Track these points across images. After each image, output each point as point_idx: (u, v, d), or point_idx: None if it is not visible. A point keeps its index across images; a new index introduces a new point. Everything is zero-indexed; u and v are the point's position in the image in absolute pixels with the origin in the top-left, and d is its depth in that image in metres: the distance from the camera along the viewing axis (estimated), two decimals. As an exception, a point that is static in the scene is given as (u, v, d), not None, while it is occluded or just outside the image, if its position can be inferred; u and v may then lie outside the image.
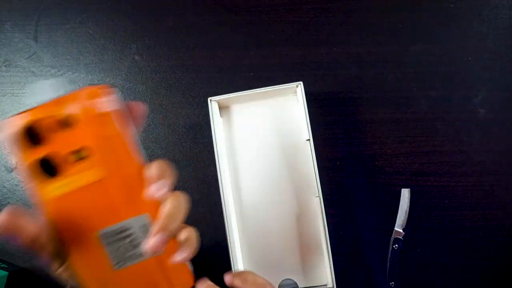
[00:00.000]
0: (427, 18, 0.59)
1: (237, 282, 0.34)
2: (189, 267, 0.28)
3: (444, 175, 0.55)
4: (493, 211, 0.54)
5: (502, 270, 0.53)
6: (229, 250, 0.48)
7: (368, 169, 0.55)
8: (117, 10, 0.60)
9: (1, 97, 0.59)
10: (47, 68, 0.59)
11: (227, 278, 0.35)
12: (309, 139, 0.50)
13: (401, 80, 0.57)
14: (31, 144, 0.24)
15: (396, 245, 0.52)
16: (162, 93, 0.58)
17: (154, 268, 0.27)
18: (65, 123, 0.24)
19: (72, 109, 0.24)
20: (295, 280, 0.51)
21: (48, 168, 0.24)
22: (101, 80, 0.58)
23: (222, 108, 0.56)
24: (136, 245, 0.27)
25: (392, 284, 0.52)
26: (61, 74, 0.59)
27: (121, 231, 0.26)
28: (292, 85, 0.52)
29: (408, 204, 0.53)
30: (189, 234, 0.28)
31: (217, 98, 0.52)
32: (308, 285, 0.50)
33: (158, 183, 0.25)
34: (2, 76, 0.59)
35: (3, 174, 0.57)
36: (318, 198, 0.49)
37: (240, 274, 0.35)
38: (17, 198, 0.56)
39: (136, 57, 0.59)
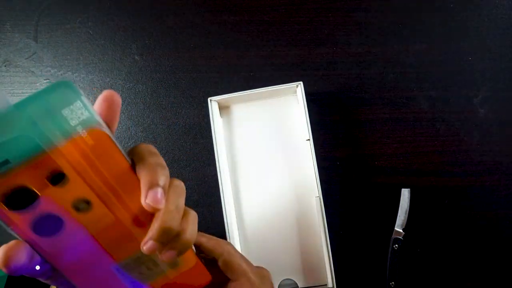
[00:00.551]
0: (427, 18, 0.59)
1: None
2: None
3: (444, 175, 0.55)
4: (493, 211, 0.54)
5: (502, 270, 0.53)
6: (229, 250, 0.48)
7: (368, 169, 0.55)
8: (117, 10, 0.60)
9: (1, 97, 0.59)
10: (47, 68, 0.59)
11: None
12: (309, 139, 0.50)
13: (401, 80, 0.57)
14: (19, 208, 0.21)
15: (396, 245, 0.52)
16: (162, 93, 0.58)
17: (172, 279, 0.27)
18: (55, 180, 0.21)
19: (60, 163, 0.20)
20: (295, 280, 0.51)
21: (48, 227, 0.22)
22: (101, 80, 0.58)
23: (222, 108, 0.56)
24: (154, 267, 0.26)
25: (392, 284, 0.52)
26: (61, 74, 0.59)
27: (137, 259, 0.25)
28: (292, 85, 0.52)
29: (408, 204, 0.53)
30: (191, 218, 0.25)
31: (217, 98, 0.52)
32: (308, 285, 0.50)
33: (151, 191, 0.21)
34: (2, 76, 0.59)
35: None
36: (318, 198, 0.49)
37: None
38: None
39: (136, 57, 0.59)
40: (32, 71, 0.59)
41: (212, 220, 0.54)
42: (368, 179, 0.55)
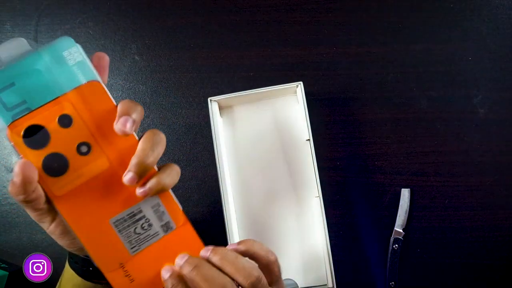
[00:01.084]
0: (427, 18, 0.59)
1: (214, 259, 0.28)
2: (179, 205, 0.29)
3: (444, 175, 0.55)
4: (493, 211, 0.54)
5: (502, 270, 0.53)
6: (229, 250, 0.48)
7: (368, 169, 0.55)
8: (117, 10, 0.60)
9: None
10: (47, 68, 0.59)
11: (203, 252, 0.29)
12: (309, 139, 0.50)
13: (401, 80, 0.57)
14: (34, 146, 0.24)
15: (396, 245, 0.52)
16: (162, 93, 0.58)
17: (168, 244, 0.28)
18: (63, 123, 0.25)
19: (67, 109, 0.25)
20: (295, 280, 0.51)
21: (54, 167, 0.25)
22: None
23: (222, 108, 0.56)
24: (149, 227, 0.28)
25: (392, 284, 0.52)
26: (61, 74, 0.59)
27: (132, 216, 0.27)
28: (292, 85, 0.52)
29: (408, 204, 0.53)
30: (169, 167, 0.28)
31: (217, 98, 0.52)
32: (308, 285, 0.50)
33: (122, 118, 0.25)
34: (2, 76, 0.59)
35: (3, 174, 0.57)
36: (318, 198, 0.49)
37: (218, 250, 0.29)
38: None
39: (136, 57, 0.59)
40: (32, 71, 0.59)
41: (212, 220, 0.54)
42: (368, 179, 0.55)
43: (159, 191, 0.27)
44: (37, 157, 0.24)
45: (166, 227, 0.28)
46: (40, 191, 0.25)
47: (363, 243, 0.53)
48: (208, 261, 0.29)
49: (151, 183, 0.27)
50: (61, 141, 0.25)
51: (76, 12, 0.60)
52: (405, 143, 0.56)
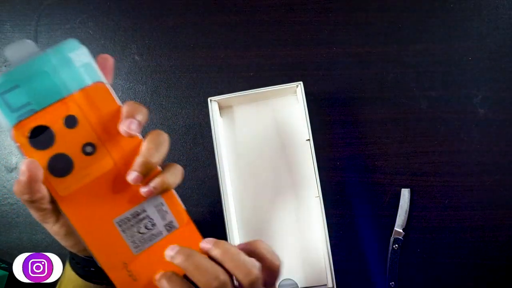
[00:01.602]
0: (427, 18, 0.59)
1: (215, 253, 0.28)
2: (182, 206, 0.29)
3: (444, 175, 0.55)
4: (493, 211, 0.54)
5: (502, 270, 0.53)
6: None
7: (368, 169, 0.55)
8: (117, 10, 0.60)
9: (1, 97, 0.59)
10: (47, 68, 0.59)
11: (203, 244, 0.29)
12: (309, 139, 0.50)
13: (401, 80, 0.57)
14: (39, 147, 0.25)
15: (396, 245, 0.52)
16: (162, 93, 0.58)
17: (171, 243, 0.28)
18: (69, 124, 0.25)
19: (72, 110, 0.25)
20: (295, 280, 0.51)
21: (59, 167, 0.25)
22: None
23: (222, 108, 0.56)
24: (152, 227, 0.28)
25: (392, 284, 0.52)
26: (61, 74, 0.59)
27: (136, 215, 0.27)
28: (292, 85, 0.52)
29: (408, 204, 0.53)
30: (172, 167, 0.29)
31: (217, 98, 0.52)
32: (308, 285, 0.50)
33: (127, 119, 0.25)
34: (2, 76, 0.59)
35: (3, 174, 0.57)
36: (318, 198, 0.49)
37: (220, 244, 0.29)
38: (17, 198, 0.56)
39: (136, 57, 0.59)
40: (32, 71, 0.59)
41: (212, 220, 0.54)
42: (368, 179, 0.55)
43: (163, 191, 0.27)
44: (42, 157, 0.25)
45: (170, 227, 0.28)
46: (44, 191, 0.25)
47: (363, 243, 0.53)
48: (208, 254, 0.28)
49: (155, 182, 0.27)
50: (66, 142, 0.25)
51: (76, 12, 0.60)
52: (405, 143, 0.56)
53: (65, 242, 0.29)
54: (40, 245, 0.55)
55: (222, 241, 0.29)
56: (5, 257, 0.54)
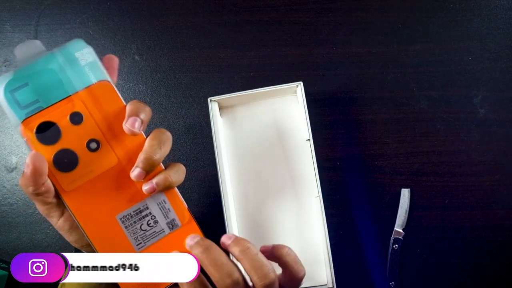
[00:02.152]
0: (427, 18, 0.59)
1: (234, 250, 0.28)
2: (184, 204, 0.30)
3: (444, 175, 0.55)
4: (493, 211, 0.54)
5: (502, 270, 0.53)
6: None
7: (368, 169, 0.55)
8: (117, 10, 0.60)
9: (1, 97, 0.59)
10: (47, 68, 0.59)
11: (224, 239, 0.29)
12: (309, 139, 0.50)
13: (401, 80, 0.57)
14: (45, 142, 0.26)
15: (396, 245, 0.52)
16: (162, 93, 0.58)
17: (173, 241, 0.29)
18: (74, 120, 0.26)
19: (78, 107, 0.26)
20: (295, 280, 0.51)
21: (64, 162, 0.26)
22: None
23: (222, 108, 0.56)
24: (155, 224, 0.28)
25: (392, 284, 0.52)
26: (61, 74, 0.59)
27: (139, 212, 0.28)
28: (292, 85, 0.52)
29: (408, 204, 0.53)
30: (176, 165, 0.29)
31: (217, 98, 0.52)
32: (308, 285, 0.50)
33: (131, 118, 0.26)
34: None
35: (3, 174, 0.57)
36: (318, 198, 0.49)
37: (240, 242, 0.28)
38: (17, 198, 0.56)
39: (136, 57, 0.59)
40: (32, 71, 0.59)
41: (212, 220, 0.54)
42: (368, 179, 0.55)
43: (166, 188, 0.28)
44: (49, 152, 0.26)
45: (172, 225, 0.29)
46: (49, 185, 0.26)
47: (363, 243, 0.53)
48: (228, 250, 0.28)
49: (158, 179, 0.27)
50: (72, 138, 0.26)
51: (76, 12, 0.60)
52: (405, 143, 0.56)
53: (68, 237, 0.29)
54: (40, 245, 0.55)
55: (243, 240, 0.29)
56: (5, 257, 0.54)
